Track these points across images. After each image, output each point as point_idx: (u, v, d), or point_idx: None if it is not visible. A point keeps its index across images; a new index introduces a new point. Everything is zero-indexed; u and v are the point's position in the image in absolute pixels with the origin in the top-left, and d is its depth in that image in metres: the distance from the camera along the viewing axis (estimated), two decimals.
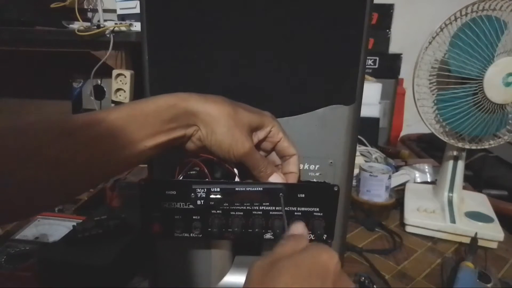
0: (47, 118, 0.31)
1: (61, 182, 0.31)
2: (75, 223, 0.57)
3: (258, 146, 0.38)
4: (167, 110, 0.33)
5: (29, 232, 0.64)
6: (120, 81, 1.16)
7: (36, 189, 0.30)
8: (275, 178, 0.38)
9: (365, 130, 1.17)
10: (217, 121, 0.34)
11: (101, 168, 0.32)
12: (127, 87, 1.16)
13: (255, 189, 0.37)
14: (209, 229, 0.38)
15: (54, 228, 0.65)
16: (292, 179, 0.39)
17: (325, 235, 0.38)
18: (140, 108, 0.33)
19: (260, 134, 0.37)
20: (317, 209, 0.38)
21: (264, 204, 0.37)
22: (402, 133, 1.49)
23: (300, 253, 0.27)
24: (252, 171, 0.37)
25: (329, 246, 0.30)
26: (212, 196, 0.37)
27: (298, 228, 0.32)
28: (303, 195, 0.37)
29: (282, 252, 0.28)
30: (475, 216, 0.75)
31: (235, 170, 0.38)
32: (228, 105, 0.35)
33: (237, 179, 0.38)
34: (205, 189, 0.37)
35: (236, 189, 0.37)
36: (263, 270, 0.26)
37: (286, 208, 0.37)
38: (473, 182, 0.99)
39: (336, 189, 0.38)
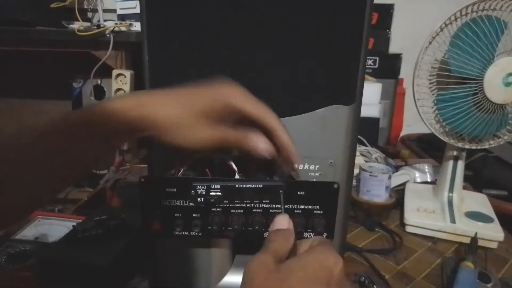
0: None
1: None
2: (75, 223, 0.57)
3: (235, 123, 0.35)
4: (124, 114, 0.32)
5: (29, 232, 0.64)
6: (120, 81, 1.16)
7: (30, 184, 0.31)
8: (258, 139, 0.35)
9: (365, 130, 1.17)
10: (174, 127, 0.33)
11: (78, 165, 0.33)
12: (127, 87, 1.16)
13: (255, 186, 0.37)
14: (209, 227, 0.38)
15: (54, 228, 0.65)
16: (285, 144, 0.36)
17: (325, 234, 0.38)
18: (100, 110, 0.32)
19: (222, 114, 0.35)
20: (317, 207, 0.38)
21: (264, 201, 0.37)
22: (402, 133, 1.49)
23: (307, 255, 0.28)
24: (242, 152, 0.36)
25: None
26: (212, 193, 0.37)
27: (283, 222, 0.31)
28: (303, 193, 0.37)
29: (279, 250, 0.28)
30: (475, 216, 0.75)
31: (234, 167, 0.38)
32: (181, 104, 0.34)
33: (237, 176, 0.38)
34: (205, 186, 0.37)
35: (236, 186, 0.37)
36: (267, 270, 0.26)
37: (286, 206, 0.37)
38: (473, 182, 0.99)
39: (336, 186, 0.38)
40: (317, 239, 0.31)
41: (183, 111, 0.33)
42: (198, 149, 0.35)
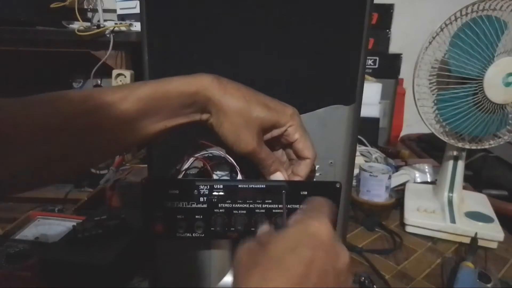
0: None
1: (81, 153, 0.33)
2: (75, 223, 0.57)
3: (272, 141, 0.38)
4: (189, 96, 0.34)
5: (29, 232, 0.64)
6: (120, 81, 1.16)
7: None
8: (277, 176, 0.38)
9: (365, 130, 1.17)
10: (227, 116, 0.34)
11: (120, 142, 0.34)
12: None
13: (257, 186, 0.37)
14: (212, 229, 0.38)
15: (54, 228, 0.65)
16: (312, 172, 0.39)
17: None
18: (162, 91, 0.33)
19: (274, 132, 0.37)
20: None
21: (266, 201, 0.37)
22: (402, 133, 1.50)
23: (288, 228, 0.28)
24: (256, 166, 0.38)
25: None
26: (215, 193, 0.37)
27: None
28: (306, 193, 0.37)
29: (262, 236, 0.28)
30: (475, 216, 0.75)
31: (237, 167, 0.38)
32: (243, 100, 0.35)
33: (240, 176, 0.39)
34: (208, 186, 0.37)
35: (239, 186, 0.37)
36: (250, 251, 0.27)
37: (289, 206, 0.37)
38: (473, 182, 0.99)
39: (338, 185, 0.38)
40: (306, 207, 0.31)
41: (234, 108, 0.34)
42: (234, 149, 0.36)
